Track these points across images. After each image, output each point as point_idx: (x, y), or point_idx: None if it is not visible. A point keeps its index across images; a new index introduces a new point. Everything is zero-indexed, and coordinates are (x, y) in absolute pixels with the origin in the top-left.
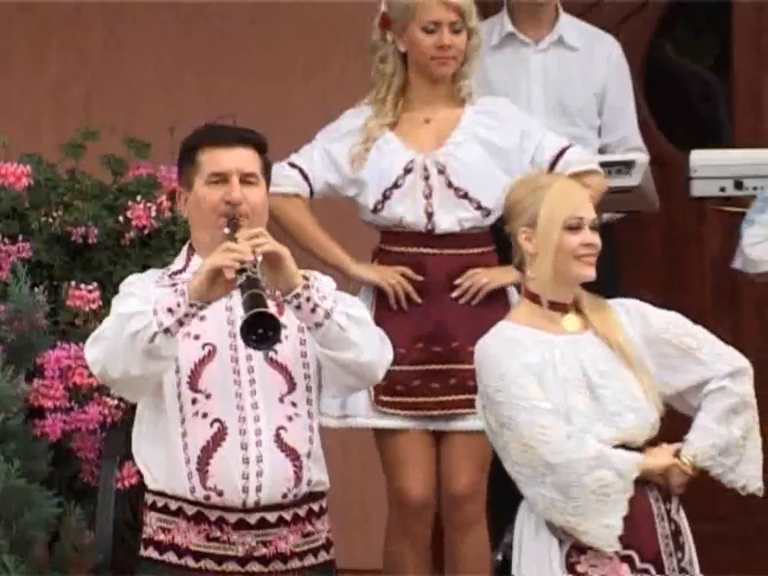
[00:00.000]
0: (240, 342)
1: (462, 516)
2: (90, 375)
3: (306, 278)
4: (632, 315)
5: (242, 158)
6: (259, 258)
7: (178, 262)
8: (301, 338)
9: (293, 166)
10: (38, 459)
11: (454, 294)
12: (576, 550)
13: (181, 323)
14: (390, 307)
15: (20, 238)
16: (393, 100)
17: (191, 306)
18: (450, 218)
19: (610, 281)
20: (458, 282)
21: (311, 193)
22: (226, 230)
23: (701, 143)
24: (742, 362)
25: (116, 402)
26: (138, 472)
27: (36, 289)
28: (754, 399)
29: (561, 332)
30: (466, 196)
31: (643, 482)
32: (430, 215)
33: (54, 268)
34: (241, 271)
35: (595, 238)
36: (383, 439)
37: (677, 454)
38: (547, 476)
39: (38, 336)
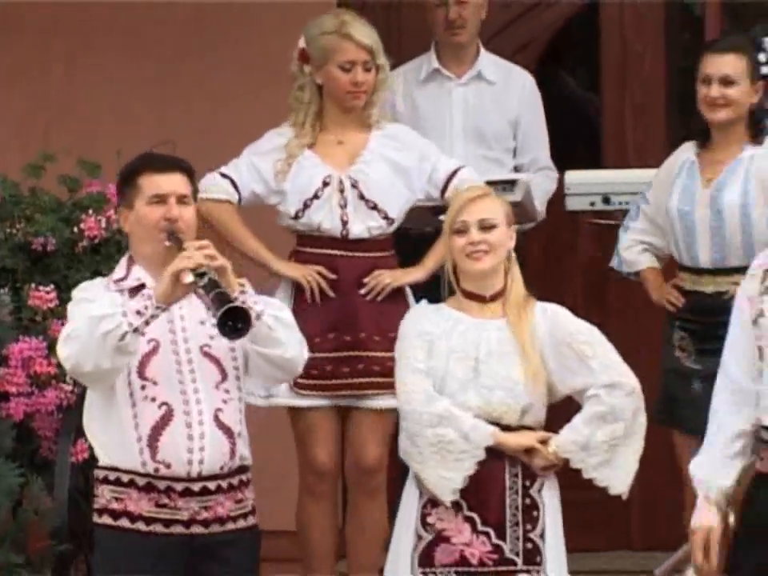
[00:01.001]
0: (179, 337)
1: (371, 484)
2: (49, 364)
3: (241, 285)
4: (547, 316)
5: (178, 182)
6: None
7: (119, 271)
8: None
9: (224, 176)
10: (3, 437)
11: (362, 291)
12: (430, 503)
13: (147, 323)
14: (307, 301)
15: None
16: (311, 123)
17: (157, 308)
18: (361, 225)
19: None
20: (365, 280)
21: (239, 200)
22: (167, 243)
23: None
24: (624, 378)
25: (71, 387)
26: (91, 447)
27: (1, 290)
28: (630, 414)
29: (478, 316)
30: (375, 207)
31: (505, 457)
32: (345, 223)
33: (17, 272)
34: (201, 275)
35: (483, 236)
36: (297, 416)
37: (545, 442)
38: (402, 422)
39: (3, 330)
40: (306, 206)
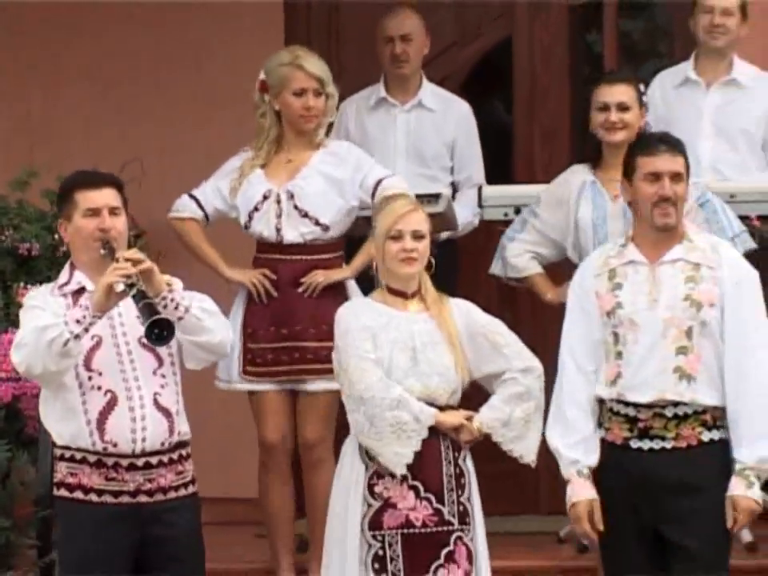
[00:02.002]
0: (119, 331)
1: (312, 457)
2: None
3: (169, 285)
4: (461, 311)
5: (109, 196)
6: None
7: (63, 277)
8: None
9: (191, 197)
10: None
11: (300, 290)
12: (376, 474)
13: (86, 330)
14: (254, 301)
15: None
16: (267, 148)
17: (94, 316)
18: (295, 232)
19: (451, 277)
20: (302, 280)
21: (206, 216)
22: (102, 251)
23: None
24: (534, 362)
25: None
26: None
27: None
28: (539, 393)
29: (404, 310)
30: (306, 215)
31: (439, 433)
32: (278, 230)
33: (6, 273)
34: (130, 286)
35: (415, 244)
36: (252, 398)
37: (469, 419)
38: (361, 406)
39: None
40: (250, 217)
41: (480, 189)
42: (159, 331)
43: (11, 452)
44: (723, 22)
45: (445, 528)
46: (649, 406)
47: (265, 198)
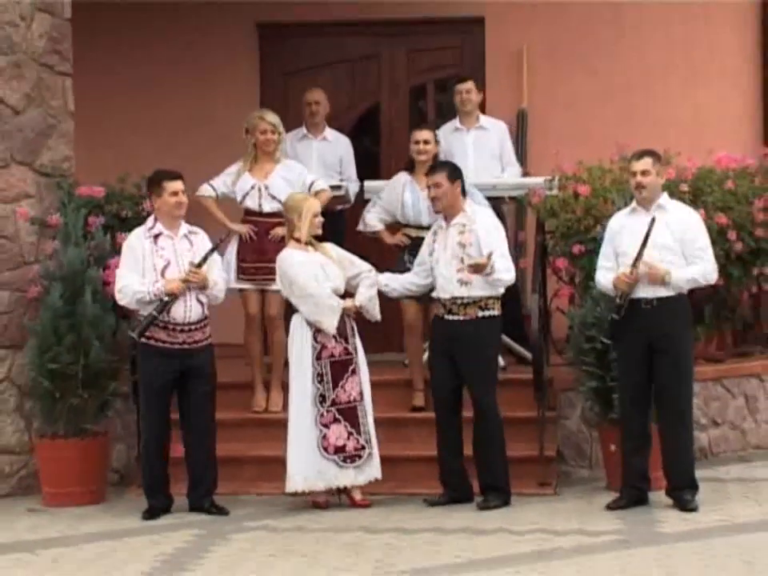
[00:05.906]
0: (180, 259)
1: (275, 324)
2: None
3: (212, 283)
4: (335, 250)
5: (180, 185)
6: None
7: (149, 223)
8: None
9: (210, 185)
10: (106, 302)
11: (270, 237)
12: (317, 331)
13: (156, 297)
14: (245, 241)
15: (100, 215)
16: (251, 161)
17: (163, 295)
18: (269, 206)
19: (341, 236)
20: (270, 232)
21: (217, 195)
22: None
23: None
24: (370, 267)
25: None
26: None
27: (107, 235)
28: (377, 281)
29: (308, 251)
30: (275, 198)
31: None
32: (260, 205)
33: (114, 227)
34: (170, 296)
35: (321, 219)
36: (242, 292)
37: (352, 301)
38: (310, 298)
39: (106, 253)
40: (244, 197)
41: (363, 184)
42: (140, 332)
43: (116, 320)
44: (468, 97)
45: (349, 357)
46: (448, 299)
47: (252, 188)
